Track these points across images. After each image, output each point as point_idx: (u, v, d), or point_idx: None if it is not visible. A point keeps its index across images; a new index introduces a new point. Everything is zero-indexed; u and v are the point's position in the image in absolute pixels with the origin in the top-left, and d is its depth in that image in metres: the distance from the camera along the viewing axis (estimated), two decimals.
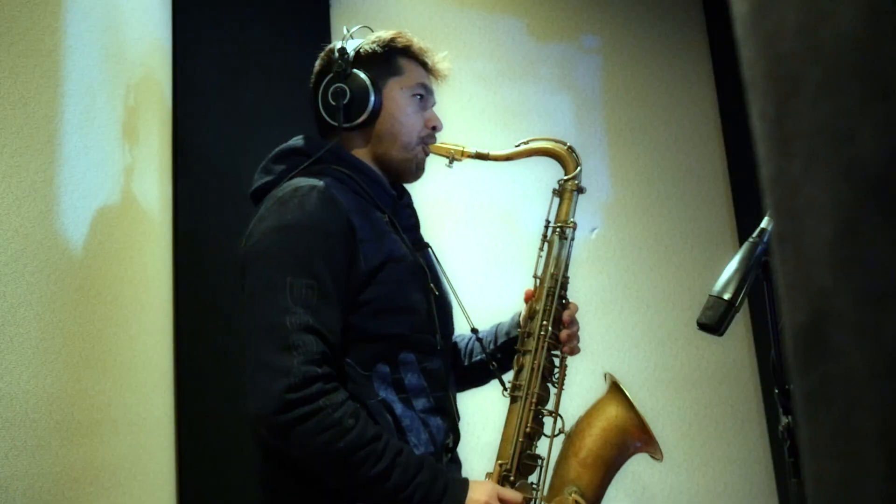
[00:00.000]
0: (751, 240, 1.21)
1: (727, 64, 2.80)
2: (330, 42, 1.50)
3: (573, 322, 1.48)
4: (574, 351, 1.47)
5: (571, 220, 1.49)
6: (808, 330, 0.37)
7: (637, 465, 2.55)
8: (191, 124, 2.18)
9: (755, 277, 1.19)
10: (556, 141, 1.52)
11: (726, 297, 1.17)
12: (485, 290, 2.39)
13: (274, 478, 1.29)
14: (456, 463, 1.41)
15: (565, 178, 1.51)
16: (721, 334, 1.18)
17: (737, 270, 1.19)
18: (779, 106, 0.38)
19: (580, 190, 1.51)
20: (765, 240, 1.21)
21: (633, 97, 2.80)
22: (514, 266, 2.45)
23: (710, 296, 1.19)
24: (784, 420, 1.17)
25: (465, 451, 1.44)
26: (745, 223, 2.69)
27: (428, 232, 1.55)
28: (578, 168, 1.50)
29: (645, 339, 2.61)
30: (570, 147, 1.52)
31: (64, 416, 1.29)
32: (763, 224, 1.22)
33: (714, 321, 1.17)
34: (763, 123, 0.40)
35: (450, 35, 2.60)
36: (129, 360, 1.63)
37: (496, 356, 1.52)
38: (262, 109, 2.25)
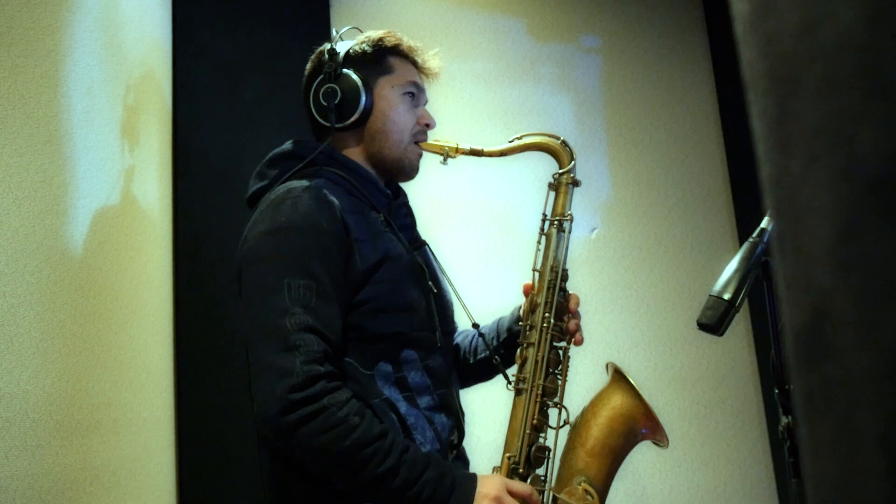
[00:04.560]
0: (751, 240, 1.22)
1: (727, 64, 2.80)
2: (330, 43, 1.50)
3: (576, 313, 1.48)
4: (578, 341, 1.47)
5: (568, 212, 1.50)
6: (808, 330, 0.37)
7: (637, 465, 2.55)
8: (191, 124, 2.18)
9: (755, 277, 1.19)
10: (550, 135, 1.53)
11: (726, 297, 1.17)
12: (483, 286, 2.39)
13: (283, 479, 1.28)
14: (462, 460, 1.41)
15: (560, 171, 1.51)
16: (721, 334, 1.18)
17: (737, 270, 1.19)
18: (779, 106, 0.38)
19: (575, 183, 1.51)
20: (765, 240, 1.21)
21: (633, 97, 2.79)
22: (511, 263, 2.45)
23: (710, 296, 1.19)
24: (784, 420, 1.17)
25: (467, 447, 1.44)
26: (745, 223, 2.69)
27: (425, 230, 1.56)
28: (573, 161, 1.51)
29: (645, 339, 2.61)
30: (563, 141, 1.52)
31: (64, 416, 1.29)
32: (763, 224, 1.22)
33: (714, 321, 1.17)
34: (763, 123, 0.40)
35: (450, 35, 2.60)
36: (129, 360, 1.63)
37: (499, 352, 1.52)
38: (262, 110, 2.25)
